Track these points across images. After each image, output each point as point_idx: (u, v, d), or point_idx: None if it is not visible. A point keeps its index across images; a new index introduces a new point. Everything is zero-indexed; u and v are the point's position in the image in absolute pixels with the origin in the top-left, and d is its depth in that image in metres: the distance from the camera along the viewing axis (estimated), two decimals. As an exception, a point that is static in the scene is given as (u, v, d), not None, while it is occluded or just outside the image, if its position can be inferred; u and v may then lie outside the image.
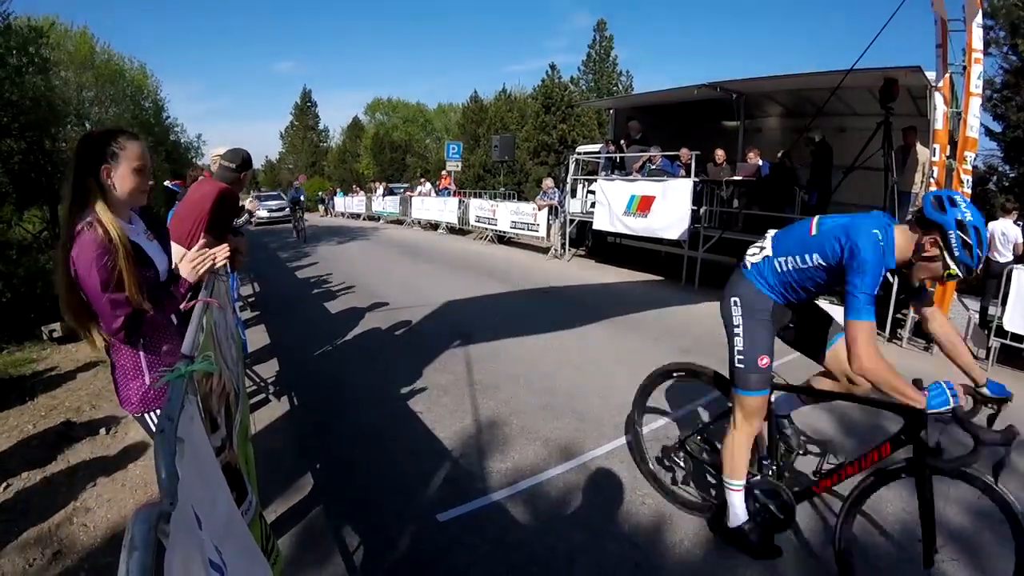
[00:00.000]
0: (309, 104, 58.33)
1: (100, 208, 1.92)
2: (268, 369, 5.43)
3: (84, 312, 1.97)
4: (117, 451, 3.90)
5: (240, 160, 3.96)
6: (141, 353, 2.09)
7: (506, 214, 15.98)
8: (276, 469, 3.53)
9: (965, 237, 2.10)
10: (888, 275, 7.14)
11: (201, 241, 2.31)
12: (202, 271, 2.20)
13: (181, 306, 2.25)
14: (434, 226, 20.74)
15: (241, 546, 1.34)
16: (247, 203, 6.05)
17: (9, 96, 10.55)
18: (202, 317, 2.07)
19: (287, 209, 24.63)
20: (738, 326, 2.68)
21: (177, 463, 1.03)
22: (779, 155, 9.39)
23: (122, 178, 2.00)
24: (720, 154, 10.41)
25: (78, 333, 2.06)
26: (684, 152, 10.46)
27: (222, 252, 2.38)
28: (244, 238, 4.12)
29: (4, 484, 3.49)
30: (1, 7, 10.72)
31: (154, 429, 2.16)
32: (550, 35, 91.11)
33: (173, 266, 2.28)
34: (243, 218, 5.88)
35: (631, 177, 11.16)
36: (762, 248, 2.70)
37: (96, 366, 5.53)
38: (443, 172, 24.11)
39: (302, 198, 19.88)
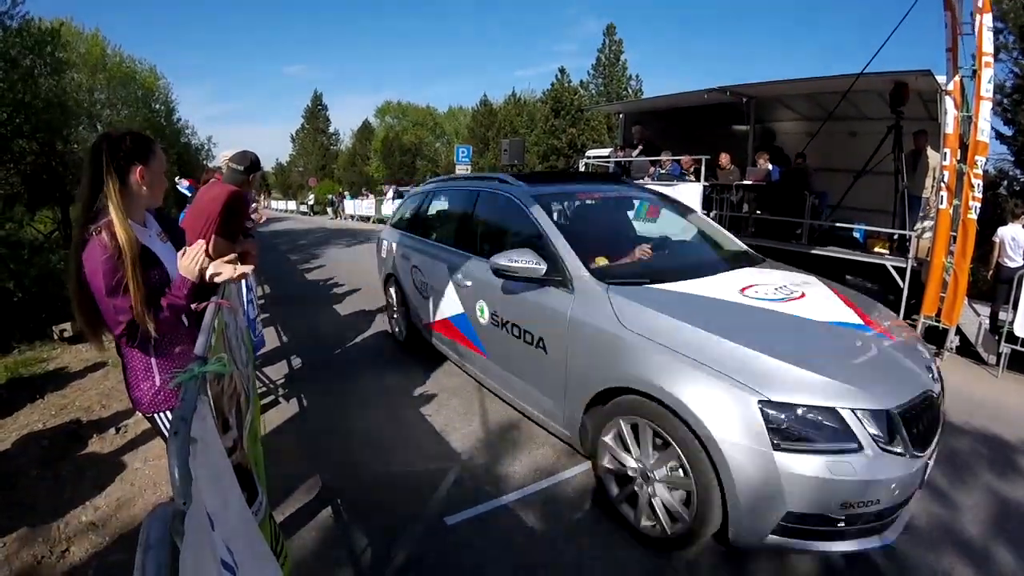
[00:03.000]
0: (320, 107, 58.73)
1: (114, 211, 1.91)
2: (277, 371, 5.45)
3: (93, 312, 1.98)
4: (127, 450, 3.92)
5: (248, 162, 4.00)
6: (152, 356, 2.11)
7: (514, 217, 15.89)
8: (285, 470, 3.54)
9: None
10: (898, 279, 7.08)
11: (199, 242, 2.26)
12: (197, 266, 2.13)
13: (192, 306, 2.24)
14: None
15: (252, 546, 1.35)
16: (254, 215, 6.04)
17: (22, 97, 10.66)
18: (214, 318, 2.08)
19: None
20: None
21: (190, 463, 1.03)
22: (796, 158, 9.36)
23: (153, 178, 2.04)
24: (724, 159, 10.36)
25: (85, 333, 2.07)
26: (685, 159, 10.43)
27: (229, 268, 2.28)
28: (255, 240, 4.13)
29: (14, 482, 3.51)
30: (15, 8, 10.85)
31: (166, 429, 2.17)
32: (560, 39, 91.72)
33: None
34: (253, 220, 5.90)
35: (641, 182, 11.13)
36: None
37: (106, 366, 5.56)
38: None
39: None
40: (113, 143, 1.95)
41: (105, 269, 1.86)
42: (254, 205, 5.51)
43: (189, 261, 2.13)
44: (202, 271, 2.14)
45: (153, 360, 2.11)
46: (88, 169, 1.94)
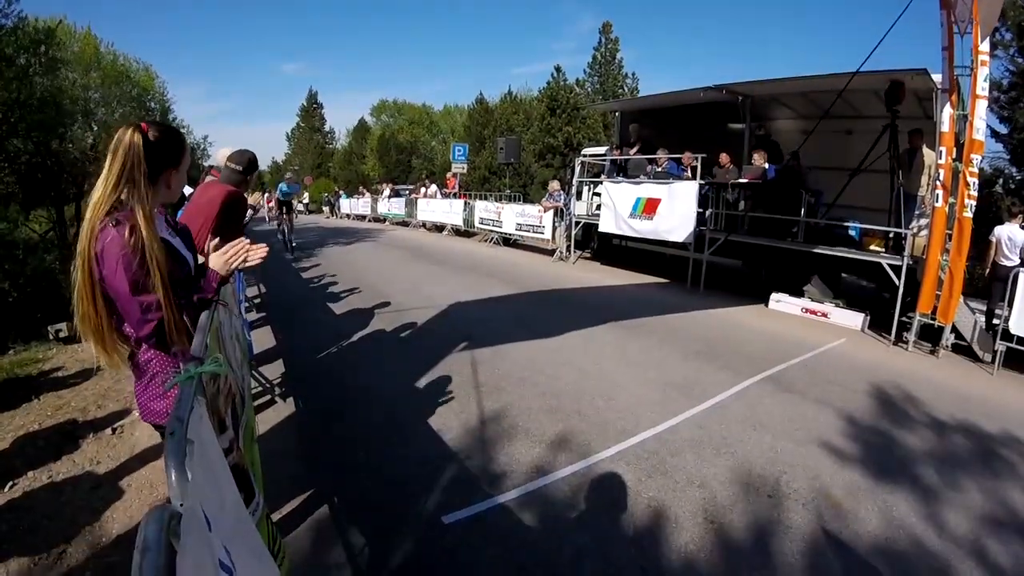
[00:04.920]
0: (315, 106, 58.45)
1: (142, 214, 1.78)
2: (274, 370, 5.43)
3: (103, 320, 1.84)
4: (123, 451, 3.90)
5: (246, 162, 3.97)
6: (180, 359, 1.92)
7: (511, 216, 15.98)
8: (282, 470, 3.53)
9: None
10: (894, 276, 7.10)
11: (242, 241, 2.21)
12: (235, 264, 2.10)
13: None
14: (439, 228, 20.73)
15: (249, 546, 1.34)
16: (251, 199, 5.98)
17: (17, 96, 10.62)
18: (210, 318, 2.07)
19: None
20: None
21: (187, 464, 1.03)
22: (787, 157, 9.38)
23: (179, 180, 1.98)
24: (724, 157, 10.39)
25: (95, 342, 1.90)
26: (687, 156, 10.45)
27: (255, 252, 2.24)
28: (249, 239, 4.11)
29: (10, 483, 3.50)
30: (11, 7, 10.82)
31: None
32: (556, 37, 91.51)
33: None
34: (248, 213, 5.87)
35: (636, 180, 11.15)
36: None
37: (101, 367, 5.53)
38: (448, 174, 24.04)
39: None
40: (152, 145, 1.82)
41: (127, 263, 1.73)
42: (256, 206, 5.48)
43: (229, 258, 2.09)
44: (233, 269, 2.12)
45: (181, 364, 1.88)
46: (118, 163, 1.78)
